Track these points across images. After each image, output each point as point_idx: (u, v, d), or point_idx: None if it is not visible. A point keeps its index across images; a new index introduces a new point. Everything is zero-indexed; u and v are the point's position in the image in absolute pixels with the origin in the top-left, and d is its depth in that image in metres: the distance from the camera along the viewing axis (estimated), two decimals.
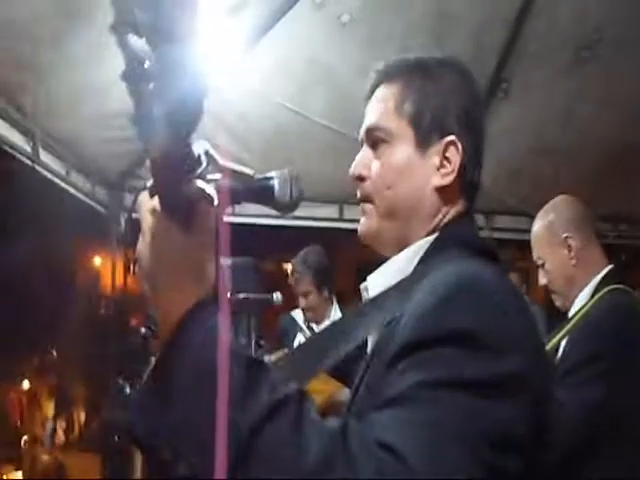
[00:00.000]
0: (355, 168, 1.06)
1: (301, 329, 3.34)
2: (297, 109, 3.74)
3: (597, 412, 1.74)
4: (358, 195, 1.07)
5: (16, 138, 3.18)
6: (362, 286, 1.05)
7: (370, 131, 1.05)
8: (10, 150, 3.20)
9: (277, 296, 3.20)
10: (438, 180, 1.00)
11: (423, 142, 1.01)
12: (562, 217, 2.09)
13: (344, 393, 1.05)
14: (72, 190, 3.89)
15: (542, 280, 2.12)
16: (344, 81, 3.49)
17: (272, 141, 3.94)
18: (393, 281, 0.95)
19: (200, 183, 0.76)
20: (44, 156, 3.44)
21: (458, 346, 0.76)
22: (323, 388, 1.23)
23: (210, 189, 0.76)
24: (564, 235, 2.05)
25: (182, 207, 0.75)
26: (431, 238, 1.00)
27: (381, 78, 1.06)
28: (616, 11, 3.25)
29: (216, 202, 0.77)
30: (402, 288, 0.92)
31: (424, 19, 3.35)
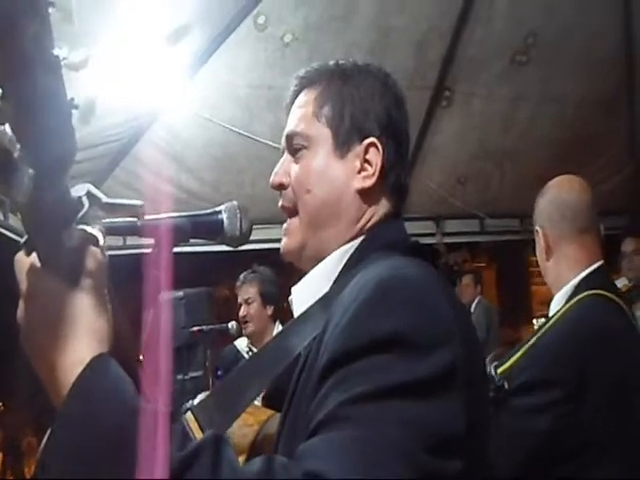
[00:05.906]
0: (275, 177, 1.01)
1: (244, 358, 3.20)
2: (244, 132, 3.71)
3: (539, 444, 1.51)
4: (280, 204, 1.01)
5: None
6: (289, 299, 1.02)
7: (290, 138, 1.01)
8: None
9: (233, 325, 3.12)
10: (359, 182, 0.97)
11: (342, 145, 0.98)
12: (546, 203, 1.76)
13: (277, 422, 1.00)
14: None
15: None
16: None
17: (221, 167, 3.89)
18: (318, 292, 0.91)
19: (80, 228, 0.70)
20: (13, 221, 3.41)
21: (381, 353, 0.72)
22: (254, 420, 1.17)
23: (94, 230, 0.71)
24: (537, 226, 1.76)
25: (65, 257, 0.68)
26: (355, 243, 0.97)
27: (302, 85, 1.03)
28: (549, 15, 3.37)
29: (101, 242, 0.71)
30: (325, 301, 0.89)
31: (365, 35, 3.39)
